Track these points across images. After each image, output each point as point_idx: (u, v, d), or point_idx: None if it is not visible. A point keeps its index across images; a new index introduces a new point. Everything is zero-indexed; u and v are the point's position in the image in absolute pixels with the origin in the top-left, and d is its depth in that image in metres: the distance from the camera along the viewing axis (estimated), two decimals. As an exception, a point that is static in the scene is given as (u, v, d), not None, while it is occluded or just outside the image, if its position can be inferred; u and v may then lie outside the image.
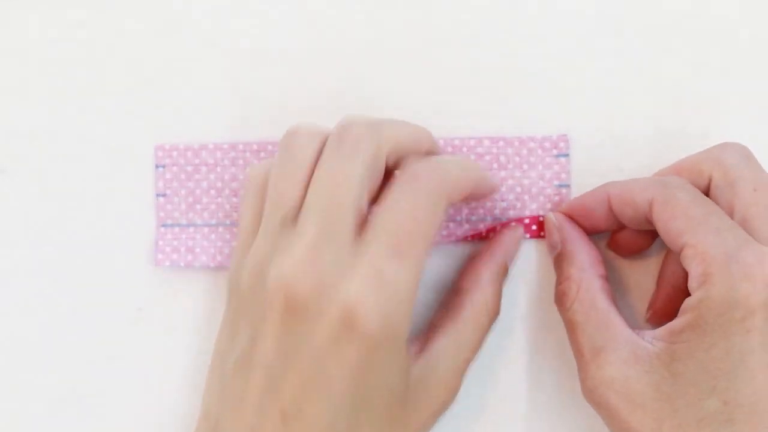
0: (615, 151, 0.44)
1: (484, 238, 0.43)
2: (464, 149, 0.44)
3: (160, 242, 0.44)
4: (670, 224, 0.38)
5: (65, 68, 0.45)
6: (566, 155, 0.44)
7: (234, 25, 0.45)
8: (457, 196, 0.38)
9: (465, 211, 0.44)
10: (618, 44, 0.44)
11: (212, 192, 0.44)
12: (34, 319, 0.45)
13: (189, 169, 0.44)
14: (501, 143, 0.44)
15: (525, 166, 0.44)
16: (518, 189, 0.44)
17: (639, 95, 0.44)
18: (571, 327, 0.40)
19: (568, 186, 0.44)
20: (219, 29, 0.45)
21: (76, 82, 0.45)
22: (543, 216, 0.43)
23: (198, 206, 0.44)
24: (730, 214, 0.39)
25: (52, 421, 0.45)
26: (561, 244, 0.42)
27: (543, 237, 0.43)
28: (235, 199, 0.44)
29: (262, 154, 0.44)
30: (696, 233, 0.38)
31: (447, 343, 0.40)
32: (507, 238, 0.43)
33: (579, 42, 0.44)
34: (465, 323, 0.40)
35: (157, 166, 0.44)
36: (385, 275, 0.36)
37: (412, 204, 0.37)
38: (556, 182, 0.44)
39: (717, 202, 0.39)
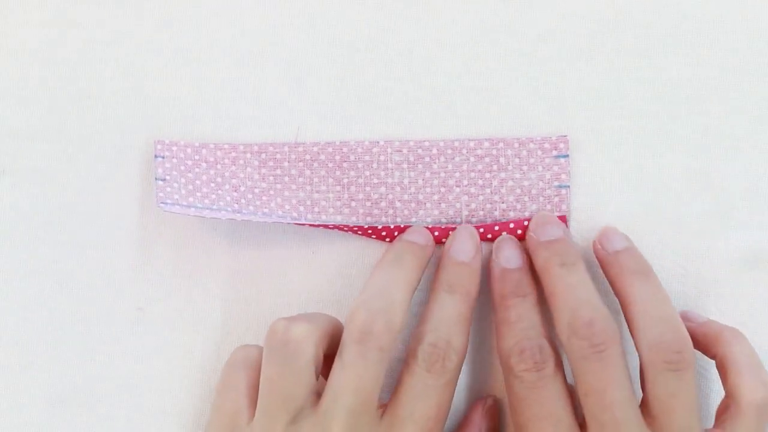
0: (615, 153, 0.44)
1: (485, 241, 0.44)
2: (464, 151, 0.44)
3: (160, 193, 0.44)
4: None
5: (65, 68, 0.45)
6: (566, 156, 0.44)
7: (234, 25, 0.45)
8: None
9: (465, 213, 0.44)
10: (618, 45, 0.44)
11: (212, 185, 0.44)
12: (34, 319, 0.45)
13: (189, 163, 0.44)
14: (501, 145, 0.44)
15: (525, 168, 0.44)
16: (518, 191, 0.44)
17: (639, 96, 0.44)
18: None
19: (567, 187, 0.44)
20: (219, 29, 0.45)
21: (76, 82, 0.45)
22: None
23: (198, 194, 0.44)
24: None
25: (52, 421, 0.45)
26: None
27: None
28: (235, 194, 0.44)
29: (263, 155, 0.44)
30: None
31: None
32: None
33: (579, 43, 0.44)
34: None
35: (156, 156, 0.44)
36: None
37: (430, 396, 0.39)
38: (555, 183, 0.44)
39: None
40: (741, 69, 0.44)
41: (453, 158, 0.44)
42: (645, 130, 0.44)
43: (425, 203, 0.44)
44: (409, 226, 0.44)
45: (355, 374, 0.38)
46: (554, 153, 0.44)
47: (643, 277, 0.41)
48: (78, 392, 0.45)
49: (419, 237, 0.43)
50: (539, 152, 0.44)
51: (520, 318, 0.40)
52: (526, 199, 0.44)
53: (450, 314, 0.41)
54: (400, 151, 0.44)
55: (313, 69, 0.45)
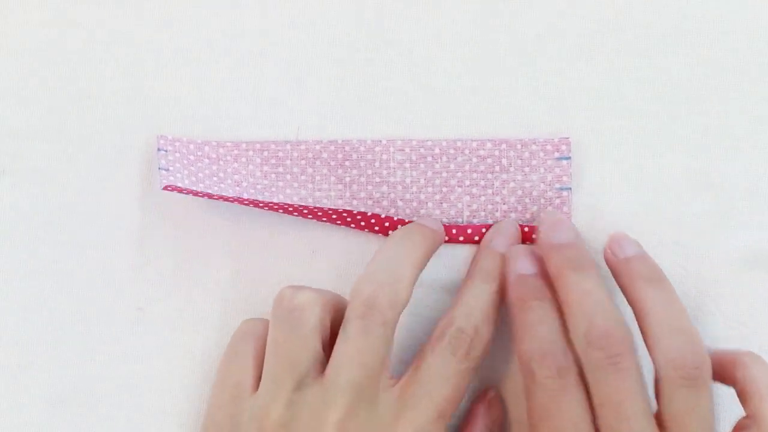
0: (615, 153, 0.44)
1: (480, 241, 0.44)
2: (466, 151, 0.44)
3: (163, 180, 0.43)
4: None
5: (65, 68, 0.45)
6: (568, 158, 0.44)
7: (234, 25, 0.45)
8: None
9: (466, 213, 0.44)
10: (620, 47, 0.44)
11: (215, 179, 0.44)
12: (34, 319, 0.45)
13: (191, 158, 0.44)
14: (503, 146, 0.44)
15: (527, 170, 0.44)
16: (519, 192, 0.44)
17: (639, 96, 0.44)
18: None
19: (569, 189, 0.44)
20: (219, 29, 0.45)
21: (76, 82, 0.45)
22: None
23: (201, 185, 0.44)
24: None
25: (52, 421, 0.45)
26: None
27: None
28: (238, 188, 0.44)
29: (265, 153, 0.44)
30: None
31: None
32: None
33: (581, 44, 0.44)
34: None
35: (159, 149, 0.44)
36: None
37: (450, 378, 0.39)
38: (557, 185, 0.44)
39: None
40: (741, 69, 0.44)
41: (455, 158, 0.44)
42: (645, 130, 0.44)
43: (427, 203, 0.44)
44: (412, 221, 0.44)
45: (358, 348, 0.39)
46: (556, 155, 0.44)
47: (657, 285, 0.40)
48: (78, 392, 0.45)
49: (431, 222, 0.43)
50: (541, 154, 0.44)
51: (541, 320, 0.40)
52: (528, 200, 0.44)
53: (482, 303, 0.41)
54: (403, 150, 0.44)
55: (313, 69, 0.45)
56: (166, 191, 0.43)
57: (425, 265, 0.42)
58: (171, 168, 0.44)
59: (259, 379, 0.40)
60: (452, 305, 0.41)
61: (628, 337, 0.38)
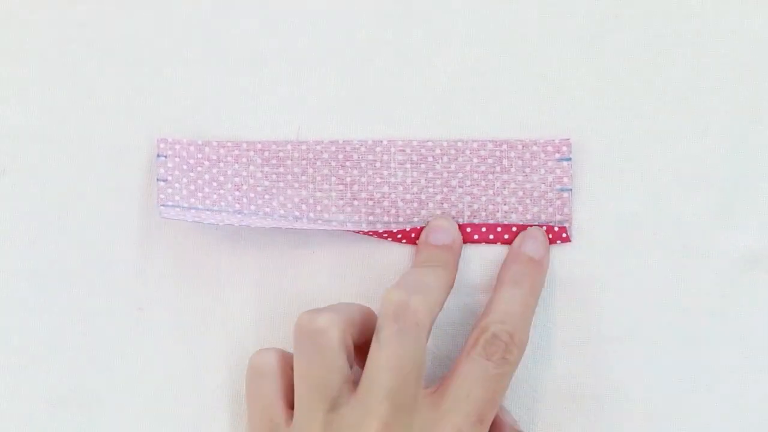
0: (617, 155, 0.44)
1: (487, 241, 0.44)
2: (467, 152, 0.44)
3: (161, 195, 0.44)
4: None
5: (65, 68, 0.45)
6: (569, 159, 0.44)
7: (235, 25, 0.45)
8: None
9: (467, 214, 0.44)
10: (621, 47, 0.44)
11: (214, 184, 0.44)
12: (35, 319, 0.45)
13: (191, 161, 0.44)
14: (504, 146, 0.44)
15: (527, 170, 0.44)
16: (520, 193, 0.44)
17: (642, 99, 0.44)
18: None
19: (570, 190, 0.44)
20: (220, 30, 0.45)
21: (76, 82, 0.45)
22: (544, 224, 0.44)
23: (200, 194, 0.44)
24: None
25: (53, 421, 0.45)
26: None
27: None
28: (237, 193, 0.44)
29: (266, 153, 0.44)
30: None
31: None
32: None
33: (582, 45, 0.44)
34: None
35: (158, 156, 0.44)
36: None
37: (488, 381, 0.39)
38: (558, 186, 0.44)
39: None
40: (741, 69, 0.44)
41: (456, 159, 0.44)
42: (646, 131, 0.44)
43: (427, 203, 0.44)
44: (415, 229, 0.44)
45: (393, 352, 0.38)
46: (557, 156, 0.44)
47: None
48: (78, 392, 0.45)
49: (445, 236, 0.43)
50: (542, 155, 0.44)
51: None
52: (528, 201, 0.44)
53: (516, 308, 0.41)
54: (403, 150, 0.44)
55: (313, 69, 0.45)
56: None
57: (453, 282, 0.42)
58: (169, 178, 0.44)
59: (290, 410, 0.40)
60: (484, 313, 0.41)
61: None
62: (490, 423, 0.39)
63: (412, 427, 0.38)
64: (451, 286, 0.42)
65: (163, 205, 0.44)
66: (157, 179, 0.44)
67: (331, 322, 0.39)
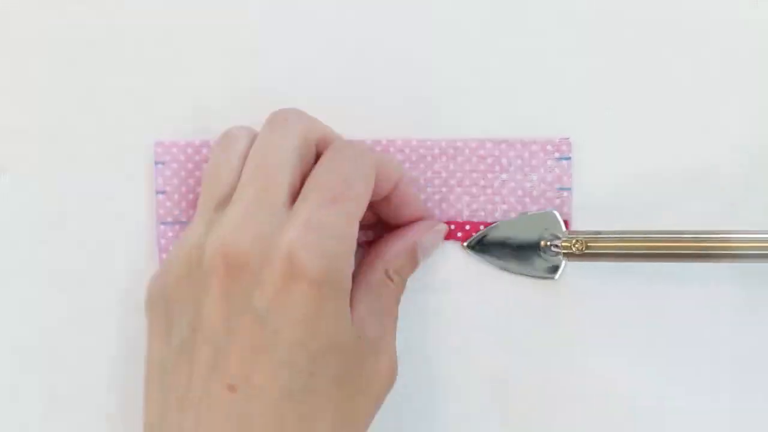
0: (617, 155, 0.44)
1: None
2: (466, 151, 0.44)
3: (163, 241, 0.44)
4: None
5: (65, 68, 0.45)
6: (568, 158, 0.44)
7: (233, 25, 0.45)
8: (385, 171, 0.40)
9: (466, 213, 0.44)
10: (622, 47, 0.44)
11: None
12: (35, 319, 0.45)
13: (189, 166, 0.44)
14: (503, 146, 0.44)
15: (527, 169, 0.44)
16: (519, 192, 0.44)
17: (641, 98, 0.44)
18: None
19: (569, 189, 0.44)
20: (219, 29, 0.45)
21: (76, 82, 0.45)
22: None
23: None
24: None
25: (52, 421, 0.45)
26: None
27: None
28: None
29: (263, 154, 0.44)
30: None
31: (367, 315, 0.39)
32: (426, 225, 0.43)
33: (582, 44, 0.44)
34: (377, 293, 0.40)
35: (156, 163, 0.44)
36: (321, 220, 0.37)
37: (341, 163, 0.38)
38: (557, 185, 0.44)
39: None
40: (741, 68, 0.44)
41: (455, 158, 0.44)
42: (645, 130, 0.44)
43: (426, 202, 0.44)
44: None
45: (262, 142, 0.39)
46: (556, 155, 0.44)
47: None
48: (78, 392, 0.45)
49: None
50: (541, 154, 0.44)
51: None
52: (528, 200, 0.44)
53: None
54: (402, 150, 0.44)
55: (313, 69, 0.45)
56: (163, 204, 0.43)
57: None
58: (168, 189, 0.44)
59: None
60: None
61: None
62: (350, 202, 0.38)
63: (270, 219, 0.37)
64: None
65: (162, 223, 0.44)
66: (156, 191, 0.44)
67: (243, 131, 0.40)
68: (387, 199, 0.41)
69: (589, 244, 0.41)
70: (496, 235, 0.43)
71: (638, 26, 0.44)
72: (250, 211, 0.37)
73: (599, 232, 0.41)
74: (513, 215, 0.44)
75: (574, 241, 0.41)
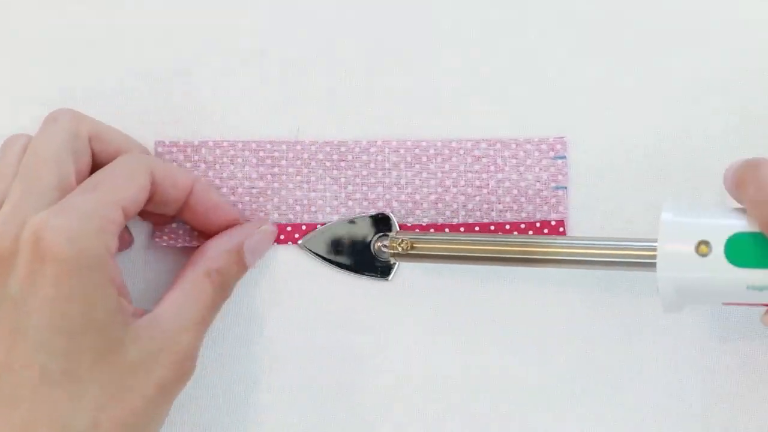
0: (612, 153, 0.44)
1: None
2: (461, 151, 0.44)
3: (157, 232, 0.44)
4: None
5: (65, 68, 0.45)
6: (563, 157, 0.44)
7: (234, 25, 0.45)
8: (170, 177, 0.42)
9: (462, 213, 0.44)
10: (616, 46, 0.44)
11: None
12: None
13: (188, 165, 0.44)
14: (498, 145, 0.44)
15: (522, 169, 0.44)
16: (515, 192, 0.44)
17: (637, 97, 0.44)
18: None
19: (564, 188, 0.44)
20: (219, 31, 0.45)
21: (76, 82, 0.45)
22: (538, 221, 0.43)
23: None
24: None
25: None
26: None
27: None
28: (233, 197, 0.44)
29: (261, 153, 0.44)
30: None
31: (168, 306, 0.40)
32: (251, 226, 0.43)
33: (577, 44, 0.45)
34: (190, 289, 0.41)
35: None
36: (73, 203, 0.38)
37: (112, 164, 0.40)
38: (552, 184, 0.44)
39: None
40: (740, 68, 0.44)
41: (450, 158, 0.44)
42: (641, 129, 0.44)
43: (422, 203, 0.44)
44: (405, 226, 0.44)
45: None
46: (551, 154, 0.44)
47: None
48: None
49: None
50: (536, 153, 0.44)
51: None
52: (523, 200, 0.44)
53: None
54: (398, 151, 0.44)
55: (313, 69, 0.45)
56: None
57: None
58: None
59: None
60: None
61: None
62: (108, 191, 0.39)
63: (35, 210, 0.38)
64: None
65: (157, 238, 0.44)
66: None
67: (68, 117, 0.41)
68: (188, 206, 0.42)
69: (414, 245, 0.42)
70: (331, 234, 0.44)
71: (634, 26, 0.44)
72: (17, 205, 0.38)
73: (426, 233, 0.42)
74: (509, 215, 0.44)
75: (399, 240, 0.42)
